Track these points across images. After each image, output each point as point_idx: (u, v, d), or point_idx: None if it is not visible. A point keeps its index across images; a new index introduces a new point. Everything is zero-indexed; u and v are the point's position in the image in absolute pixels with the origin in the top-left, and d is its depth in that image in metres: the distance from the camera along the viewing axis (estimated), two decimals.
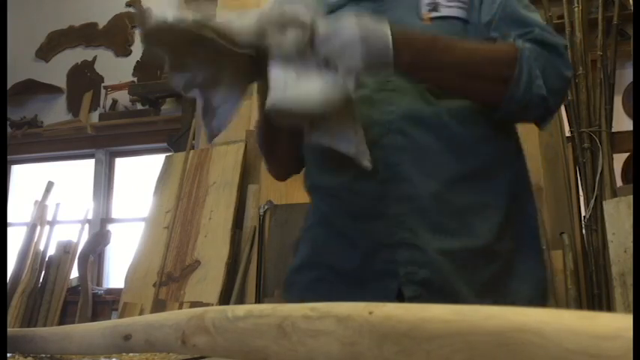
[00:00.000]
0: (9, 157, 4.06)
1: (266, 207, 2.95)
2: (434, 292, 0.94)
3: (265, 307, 0.42)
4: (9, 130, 4.01)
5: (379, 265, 0.98)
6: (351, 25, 0.87)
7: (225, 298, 2.74)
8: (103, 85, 4.01)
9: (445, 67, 0.94)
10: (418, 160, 0.98)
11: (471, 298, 0.91)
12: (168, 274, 3.00)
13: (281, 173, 1.18)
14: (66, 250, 3.59)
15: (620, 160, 2.80)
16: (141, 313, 3.00)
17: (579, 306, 2.46)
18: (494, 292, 0.95)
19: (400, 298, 0.96)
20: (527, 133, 2.80)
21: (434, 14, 1.03)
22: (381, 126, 0.99)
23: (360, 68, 0.87)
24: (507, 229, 0.99)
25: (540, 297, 1.01)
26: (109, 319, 2.78)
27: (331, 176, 1.04)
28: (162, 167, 3.34)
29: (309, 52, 0.88)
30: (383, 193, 0.98)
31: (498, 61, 0.96)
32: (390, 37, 0.87)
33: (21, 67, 4.11)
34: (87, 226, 3.84)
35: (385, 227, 0.97)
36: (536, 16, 1.04)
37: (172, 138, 3.53)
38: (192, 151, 3.28)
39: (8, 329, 0.63)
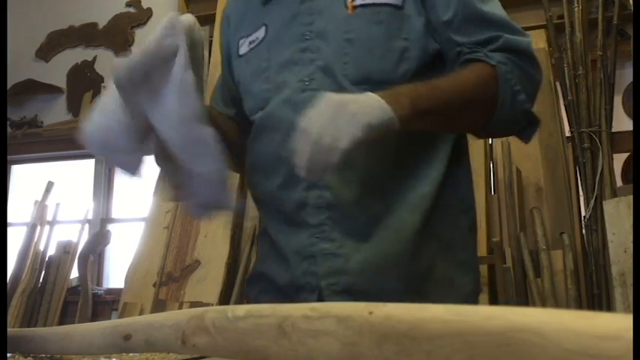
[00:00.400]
0: (9, 157, 4.06)
1: None
2: (359, 299, 0.87)
3: (265, 307, 0.42)
4: (9, 130, 4.01)
5: (302, 279, 0.94)
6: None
7: (225, 298, 2.74)
8: (103, 85, 4.01)
9: (434, 112, 0.88)
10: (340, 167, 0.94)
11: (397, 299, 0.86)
12: (168, 274, 3.00)
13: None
14: (66, 250, 3.59)
15: (620, 160, 2.80)
16: (141, 313, 3.00)
17: (579, 306, 2.46)
18: (421, 293, 0.92)
19: None
20: None
21: (358, 1, 0.96)
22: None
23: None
24: (432, 230, 0.95)
25: (473, 295, 0.98)
26: (109, 319, 2.77)
27: (261, 182, 1.01)
28: None
29: None
30: (304, 202, 0.95)
31: (480, 89, 0.92)
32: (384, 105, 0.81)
33: (21, 67, 4.11)
34: (87, 226, 3.84)
35: (306, 237, 0.94)
36: (496, 9, 0.98)
37: None
38: None
39: (8, 329, 0.63)
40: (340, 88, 0.93)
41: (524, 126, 0.97)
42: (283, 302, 0.90)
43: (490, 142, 2.82)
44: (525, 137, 0.99)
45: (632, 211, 2.32)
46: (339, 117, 0.79)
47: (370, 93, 0.83)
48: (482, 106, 0.93)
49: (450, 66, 0.97)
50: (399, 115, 0.82)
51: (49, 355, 0.61)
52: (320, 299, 0.91)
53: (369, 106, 0.80)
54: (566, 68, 2.79)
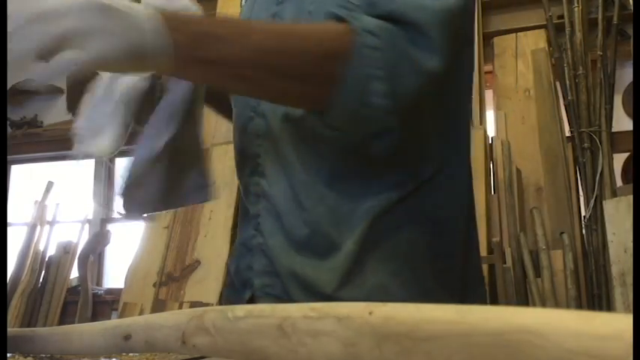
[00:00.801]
0: (9, 157, 4.06)
1: None
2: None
3: (265, 308, 0.42)
4: (9, 130, 4.01)
5: (244, 273, 0.84)
6: None
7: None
8: None
9: (236, 58, 0.64)
10: (275, 152, 0.80)
11: None
12: (168, 274, 3.00)
13: None
14: (66, 250, 3.59)
15: (620, 160, 2.80)
16: (141, 313, 3.00)
17: (579, 306, 2.46)
18: None
19: None
20: (527, 133, 2.82)
21: None
22: (249, 109, 0.83)
23: (109, 60, 0.58)
24: (377, 243, 0.76)
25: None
26: (109, 319, 2.77)
27: (236, 169, 0.91)
28: None
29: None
30: (247, 189, 0.85)
31: (317, 53, 0.66)
32: (149, 9, 0.60)
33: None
34: (87, 226, 3.84)
35: (250, 228, 0.83)
36: None
37: None
38: None
39: (8, 329, 0.63)
40: None
41: (375, 130, 0.70)
42: (235, 296, 0.84)
43: (490, 142, 2.82)
44: (377, 150, 0.73)
45: (632, 211, 2.32)
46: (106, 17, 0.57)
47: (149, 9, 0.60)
48: (314, 80, 0.67)
49: None
50: (178, 50, 0.60)
51: (49, 355, 0.61)
52: (252, 299, 0.81)
53: (135, 23, 0.58)
54: (566, 68, 2.79)
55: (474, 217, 0.86)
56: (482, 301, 0.85)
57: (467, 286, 0.81)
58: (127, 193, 0.81)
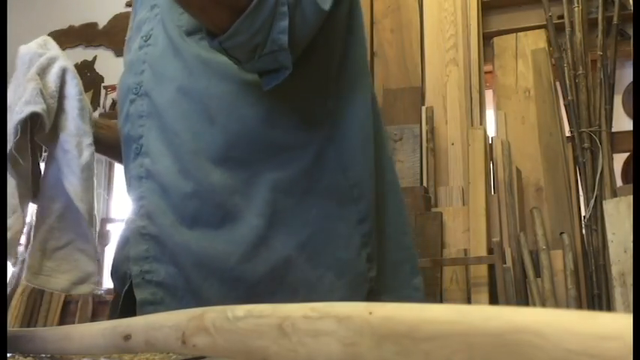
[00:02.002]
0: None
1: None
2: (179, 296, 0.75)
3: (265, 307, 0.42)
4: None
5: (119, 269, 0.82)
6: None
7: None
8: (103, 85, 4.01)
9: None
10: (161, 129, 0.79)
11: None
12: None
13: None
14: None
15: (620, 160, 2.80)
16: None
17: (579, 306, 2.46)
18: (265, 298, 0.72)
19: (130, 304, 0.78)
20: (527, 133, 2.82)
21: None
22: (131, 92, 0.84)
23: None
24: (286, 220, 0.75)
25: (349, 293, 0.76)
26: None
27: (123, 161, 0.91)
28: None
29: None
30: (130, 174, 0.83)
31: None
32: None
33: None
34: None
35: (132, 214, 0.81)
36: None
37: None
38: None
39: (8, 329, 0.63)
40: (171, 40, 0.80)
41: (269, 66, 0.71)
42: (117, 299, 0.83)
43: (490, 142, 2.82)
44: (266, 82, 0.73)
45: (632, 211, 2.32)
46: None
47: None
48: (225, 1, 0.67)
49: None
50: None
51: (49, 355, 0.61)
52: (130, 289, 0.79)
53: None
54: (566, 68, 2.79)
55: (385, 178, 0.84)
56: (404, 279, 0.83)
57: (397, 266, 0.81)
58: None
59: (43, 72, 0.89)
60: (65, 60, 0.93)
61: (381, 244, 0.80)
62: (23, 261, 0.81)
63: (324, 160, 0.78)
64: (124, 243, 0.83)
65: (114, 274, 0.85)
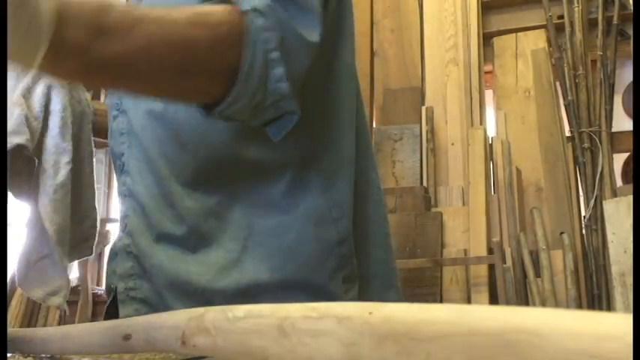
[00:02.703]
0: None
1: None
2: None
3: (265, 308, 0.42)
4: None
5: (108, 280, 0.83)
6: None
7: None
8: None
9: (122, 55, 0.56)
10: (140, 149, 0.77)
11: None
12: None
13: None
14: None
15: (620, 160, 2.80)
16: None
17: (579, 306, 2.46)
18: None
19: (112, 317, 0.77)
20: (527, 133, 2.82)
21: None
22: (114, 107, 0.82)
23: None
24: (259, 242, 0.72)
25: None
26: None
27: None
28: None
29: None
30: (118, 190, 0.83)
31: (207, 41, 0.59)
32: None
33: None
34: None
35: (120, 231, 0.81)
36: None
37: None
38: None
39: (8, 329, 0.63)
40: None
41: (274, 116, 0.65)
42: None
43: (490, 142, 2.82)
44: (274, 132, 0.66)
45: (632, 211, 2.32)
46: None
47: None
48: (208, 71, 0.61)
49: None
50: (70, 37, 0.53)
51: (49, 355, 0.61)
52: (115, 305, 0.79)
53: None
54: (566, 68, 2.79)
55: (369, 190, 0.81)
56: (376, 294, 0.79)
57: (367, 281, 0.78)
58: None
59: (28, 92, 0.88)
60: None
61: (358, 260, 0.77)
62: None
63: (304, 181, 0.73)
64: (112, 257, 0.83)
65: (106, 283, 0.85)
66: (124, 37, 0.56)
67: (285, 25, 0.61)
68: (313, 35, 0.63)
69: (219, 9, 0.61)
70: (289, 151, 0.73)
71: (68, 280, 0.86)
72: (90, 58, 0.55)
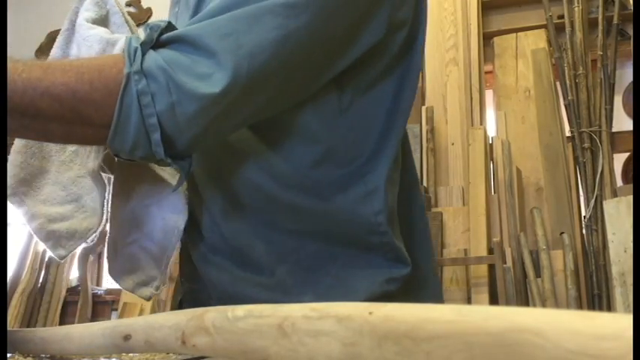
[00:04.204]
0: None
1: None
2: None
3: (265, 307, 0.42)
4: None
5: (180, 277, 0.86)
6: None
7: None
8: None
9: (17, 106, 0.60)
10: (200, 159, 0.77)
11: None
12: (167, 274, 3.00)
13: None
14: None
15: (620, 160, 2.80)
16: (141, 313, 3.00)
17: (579, 306, 2.46)
18: None
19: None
20: (527, 133, 2.82)
21: None
22: None
23: None
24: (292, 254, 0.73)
25: None
26: (109, 319, 2.78)
27: None
28: None
29: None
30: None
31: (86, 94, 0.60)
32: None
33: None
34: None
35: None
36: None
37: None
38: None
39: (8, 329, 0.63)
40: None
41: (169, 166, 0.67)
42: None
43: (490, 141, 2.82)
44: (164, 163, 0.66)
45: (632, 211, 2.32)
46: None
47: None
48: (92, 120, 0.62)
49: None
50: None
51: (48, 356, 0.61)
52: (180, 303, 0.84)
53: None
54: (566, 68, 2.79)
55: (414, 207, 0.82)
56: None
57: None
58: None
59: None
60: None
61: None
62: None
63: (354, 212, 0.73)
64: (185, 255, 0.84)
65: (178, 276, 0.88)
66: (20, 90, 0.59)
67: (174, 86, 0.60)
68: (213, 85, 0.61)
69: (109, 61, 0.62)
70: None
71: (163, 270, 0.79)
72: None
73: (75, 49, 0.79)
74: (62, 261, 0.80)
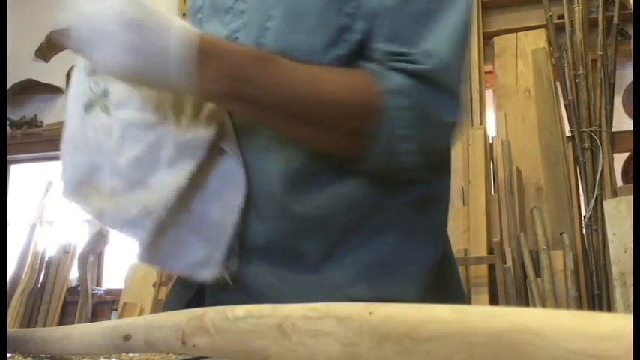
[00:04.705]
0: (9, 157, 4.06)
1: None
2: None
3: (265, 307, 0.42)
4: (9, 129, 4.01)
5: None
6: (112, 6, 0.59)
7: None
8: None
9: (268, 99, 0.65)
10: (252, 142, 0.74)
11: None
12: (168, 274, 3.00)
13: None
14: (66, 250, 3.59)
15: (620, 160, 2.80)
16: (141, 313, 3.00)
17: (579, 306, 2.46)
18: None
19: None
20: (527, 133, 2.82)
21: None
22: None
23: (125, 73, 0.61)
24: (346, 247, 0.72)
25: None
26: (109, 319, 2.78)
27: None
28: None
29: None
30: None
31: (347, 106, 0.66)
32: (188, 32, 0.61)
33: (21, 66, 4.11)
34: (87, 226, 3.84)
35: None
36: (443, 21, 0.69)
37: None
38: None
39: (8, 329, 0.63)
40: None
41: (417, 175, 0.72)
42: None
43: (490, 141, 2.82)
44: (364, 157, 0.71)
45: (632, 211, 2.32)
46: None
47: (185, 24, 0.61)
48: (345, 131, 0.68)
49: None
50: (205, 78, 0.62)
51: (48, 356, 0.61)
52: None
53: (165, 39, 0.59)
54: (566, 68, 2.79)
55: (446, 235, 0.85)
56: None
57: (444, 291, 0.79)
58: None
59: None
60: None
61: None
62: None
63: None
64: None
65: None
66: (269, 89, 0.65)
67: (426, 105, 0.67)
68: (455, 115, 0.69)
69: (363, 78, 0.67)
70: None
71: (222, 247, 0.71)
72: (229, 100, 0.65)
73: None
74: (148, 255, 0.72)
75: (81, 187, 0.75)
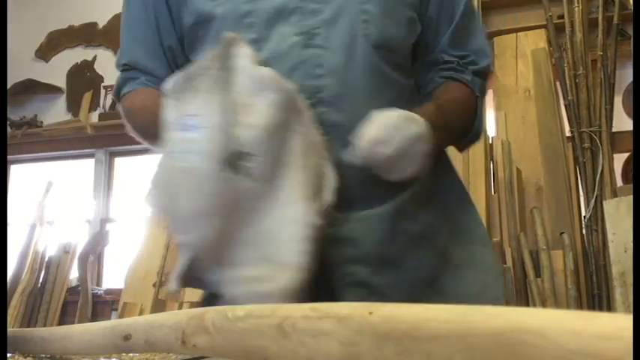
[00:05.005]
0: (9, 157, 4.05)
1: None
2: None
3: (265, 307, 0.42)
4: (9, 130, 4.01)
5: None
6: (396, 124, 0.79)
7: None
8: (102, 84, 4.01)
9: (447, 132, 0.91)
10: (340, 126, 0.83)
11: None
12: (168, 274, 3.00)
13: None
14: (66, 250, 3.59)
15: (620, 160, 2.80)
16: (141, 313, 3.00)
17: (579, 306, 2.46)
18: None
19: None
20: (527, 133, 2.82)
21: None
22: (305, 93, 0.81)
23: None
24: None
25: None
26: (109, 319, 2.78)
27: None
28: None
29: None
30: None
31: (468, 113, 0.94)
32: (421, 122, 0.81)
33: (21, 66, 4.11)
34: (87, 226, 3.84)
35: None
36: (479, 27, 1.01)
37: None
38: None
39: (8, 329, 0.63)
40: (352, 47, 0.84)
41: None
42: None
43: (490, 142, 2.82)
44: (462, 148, 1.02)
45: (632, 211, 2.32)
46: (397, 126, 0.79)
47: (400, 110, 0.80)
48: (464, 130, 0.96)
49: (422, 59, 0.95)
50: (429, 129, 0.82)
51: (48, 355, 0.61)
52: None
53: (414, 119, 0.80)
54: (566, 68, 2.79)
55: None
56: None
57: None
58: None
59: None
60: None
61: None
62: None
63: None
64: None
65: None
66: (447, 125, 0.90)
67: (483, 95, 0.96)
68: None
69: (465, 91, 0.93)
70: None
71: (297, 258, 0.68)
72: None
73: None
74: None
75: (214, 257, 0.71)
